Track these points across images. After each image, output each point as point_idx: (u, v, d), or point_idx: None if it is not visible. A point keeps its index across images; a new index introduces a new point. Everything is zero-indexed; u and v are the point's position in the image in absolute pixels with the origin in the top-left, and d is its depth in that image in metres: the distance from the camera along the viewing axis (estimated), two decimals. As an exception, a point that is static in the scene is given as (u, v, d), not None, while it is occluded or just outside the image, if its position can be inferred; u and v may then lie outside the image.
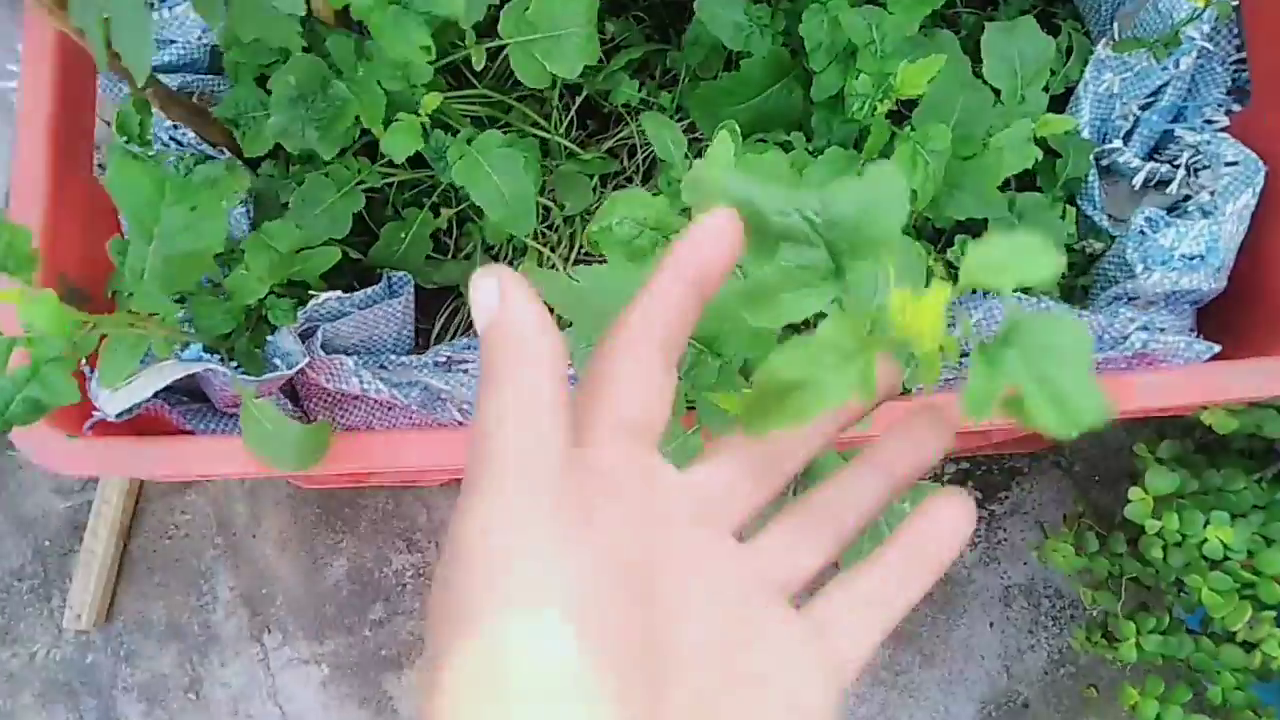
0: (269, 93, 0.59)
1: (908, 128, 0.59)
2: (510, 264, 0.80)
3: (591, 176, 0.80)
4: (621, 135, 0.84)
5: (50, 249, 0.61)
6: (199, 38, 0.71)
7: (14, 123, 0.65)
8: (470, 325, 0.81)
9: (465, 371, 0.72)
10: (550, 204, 0.81)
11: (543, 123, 0.79)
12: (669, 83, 0.83)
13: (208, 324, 0.60)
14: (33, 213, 0.61)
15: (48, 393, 0.50)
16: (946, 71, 0.58)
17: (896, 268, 0.33)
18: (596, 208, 0.83)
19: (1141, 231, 0.65)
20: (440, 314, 0.80)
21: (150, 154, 0.59)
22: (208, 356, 0.61)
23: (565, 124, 0.82)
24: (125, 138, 0.57)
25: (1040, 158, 0.60)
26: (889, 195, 0.33)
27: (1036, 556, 0.95)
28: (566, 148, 0.80)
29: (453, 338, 0.80)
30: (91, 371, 0.61)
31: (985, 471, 1.03)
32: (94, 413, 0.61)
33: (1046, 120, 0.53)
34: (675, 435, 0.53)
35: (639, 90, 0.79)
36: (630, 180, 0.84)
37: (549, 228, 0.81)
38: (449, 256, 0.79)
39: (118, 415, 0.60)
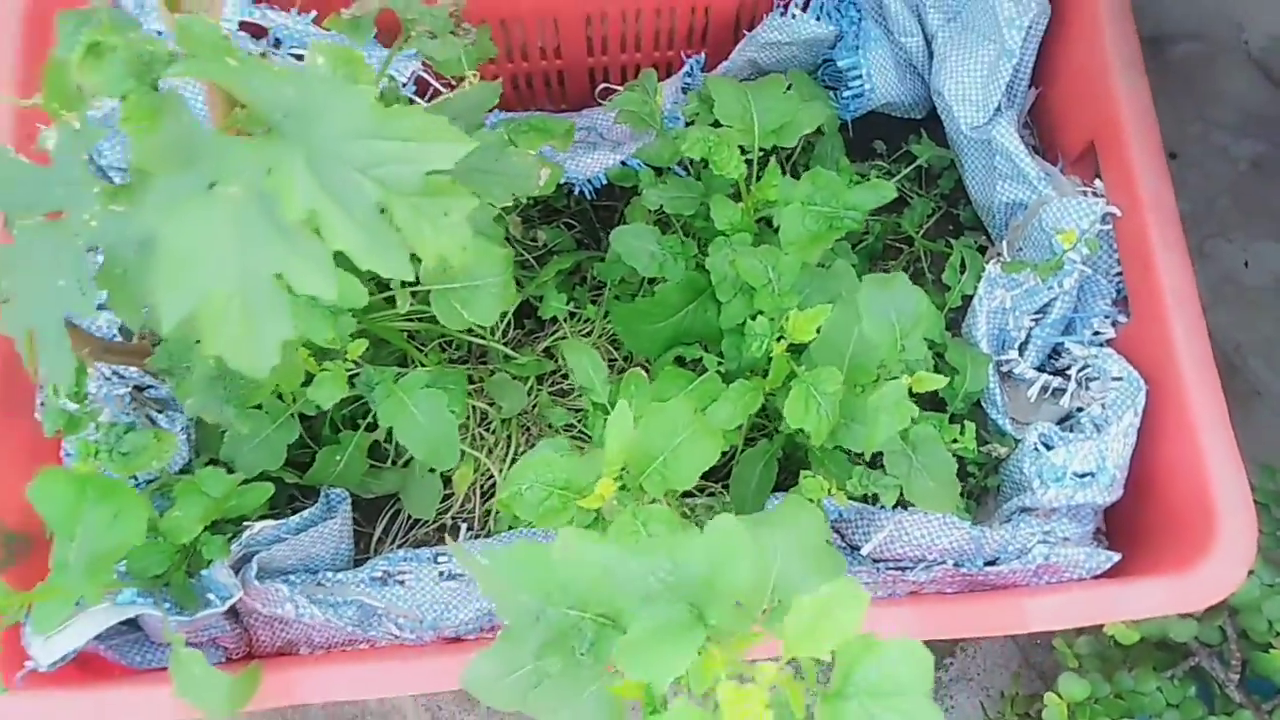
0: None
1: (803, 368, 0.62)
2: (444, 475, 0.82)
3: (527, 379, 0.84)
4: (557, 335, 0.88)
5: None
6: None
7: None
8: (410, 530, 0.83)
9: (402, 584, 0.74)
10: (488, 407, 0.84)
11: (478, 328, 0.83)
12: (599, 285, 0.88)
13: (140, 567, 0.63)
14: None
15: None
16: (838, 312, 0.62)
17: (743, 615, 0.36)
18: (533, 407, 0.87)
19: (1036, 448, 0.68)
20: (380, 519, 0.83)
21: (86, 409, 0.62)
22: (141, 599, 0.63)
23: (502, 327, 0.86)
24: (59, 397, 0.61)
25: (937, 376, 0.64)
26: (732, 551, 0.37)
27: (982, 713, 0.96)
28: (503, 353, 0.84)
29: (393, 542, 0.82)
30: (27, 617, 0.63)
31: (930, 641, 1.04)
32: (26, 663, 0.62)
33: (920, 379, 0.57)
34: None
35: (567, 301, 0.83)
36: (565, 378, 0.87)
37: (487, 430, 0.85)
38: (388, 463, 0.81)
39: (50, 665, 0.62)
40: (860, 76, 0.83)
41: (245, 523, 0.69)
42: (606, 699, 0.57)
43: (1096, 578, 0.66)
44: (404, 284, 0.67)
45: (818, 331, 0.60)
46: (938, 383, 0.57)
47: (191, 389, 0.56)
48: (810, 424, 0.59)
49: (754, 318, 0.65)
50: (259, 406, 0.69)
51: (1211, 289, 0.98)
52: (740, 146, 0.70)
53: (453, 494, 0.83)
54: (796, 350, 0.65)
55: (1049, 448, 0.67)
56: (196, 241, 0.36)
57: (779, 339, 0.63)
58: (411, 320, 0.78)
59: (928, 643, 1.06)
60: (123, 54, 0.38)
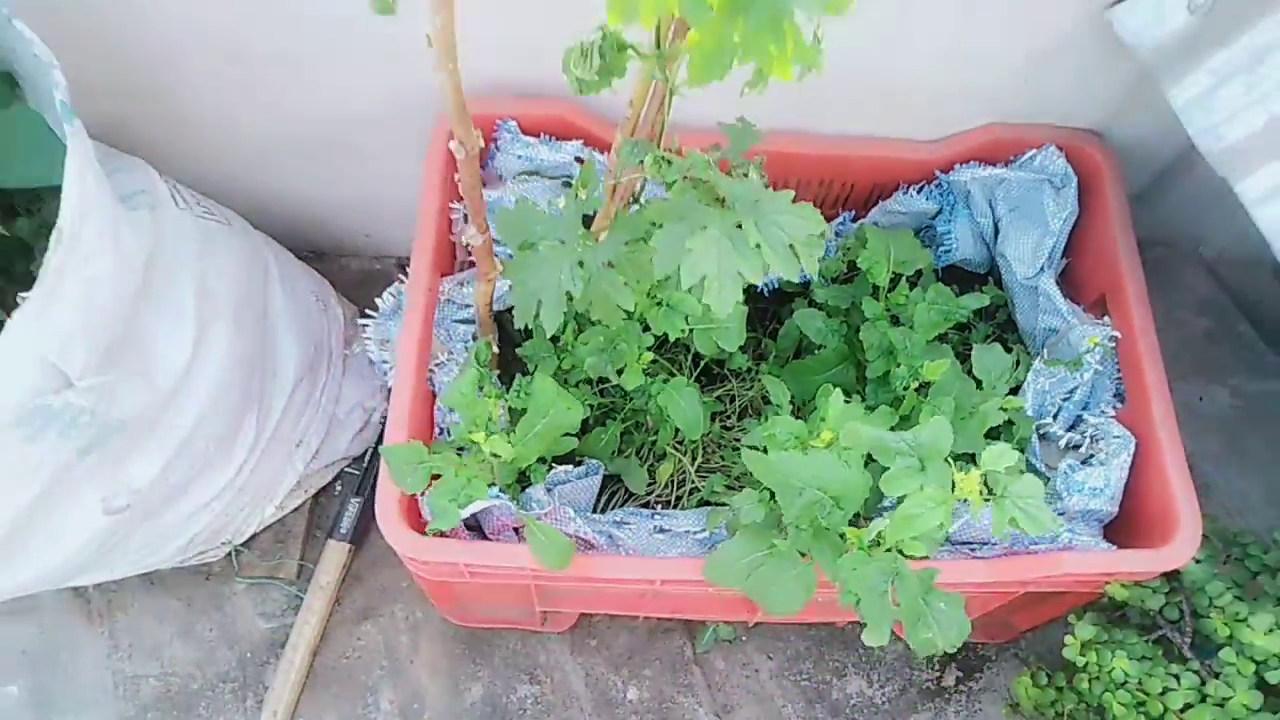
0: (553, 341, 1.02)
1: (927, 398, 1.01)
2: (654, 463, 1.19)
3: (710, 413, 1.22)
4: (723, 389, 1.26)
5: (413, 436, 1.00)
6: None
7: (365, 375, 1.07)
8: (626, 499, 1.18)
9: (627, 528, 1.09)
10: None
11: (680, 374, 1.22)
12: (758, 357, 1.27)
13: (505, 475, 0.98)
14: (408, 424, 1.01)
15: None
16: (949, 370, 1.02)
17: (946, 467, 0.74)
18: (708, 435, 1.24)
19: (1065, 473, 1.06)
20: (612, 489, 1.18)
21: (485, 370, 0.99)
22: (500, 498, 0.99)
23: (693, 378, 1.25)
24: (478, 362, 0.98)
25: (1004, 422, 1.03)
26: (942, 433, 0.75)
27: (1005, 716, 1.28)
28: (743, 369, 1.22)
29: (618, 505, 1.17)
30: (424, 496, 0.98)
31: (965, 658, 1.38)
32: (427, 526, 0.97)
33: (1009, 401, 0.96)
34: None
35: (746, 359, 1.22)
36: (729, 416, 1.25)
37: (679, 446, 1.22)
38: (620, 454, 1.18)
39: (435, 531, 0.96)
40: (951, 239, 1.26)
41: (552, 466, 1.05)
42: (805, 576, 0.92)
43: (1101, 558, 1.02)
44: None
45: (939, 375, 0.99)
46: (1018, 403, 0.96)
47: (588, 355, 0.94)
48: (934, 429, 0.98)
49: (896, 367, 1.04)
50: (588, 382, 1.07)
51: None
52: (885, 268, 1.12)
53: (654, 483, 1.19)
54: (921, 390, 1.04)
55: (1074, 472, 1.05)
56: (701, 250, 0.75)
57: (914, 382, 1.02)
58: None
59: (964, 661, 1.37)
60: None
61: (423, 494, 0.98)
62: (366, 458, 1.45)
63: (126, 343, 1.01)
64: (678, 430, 1.19)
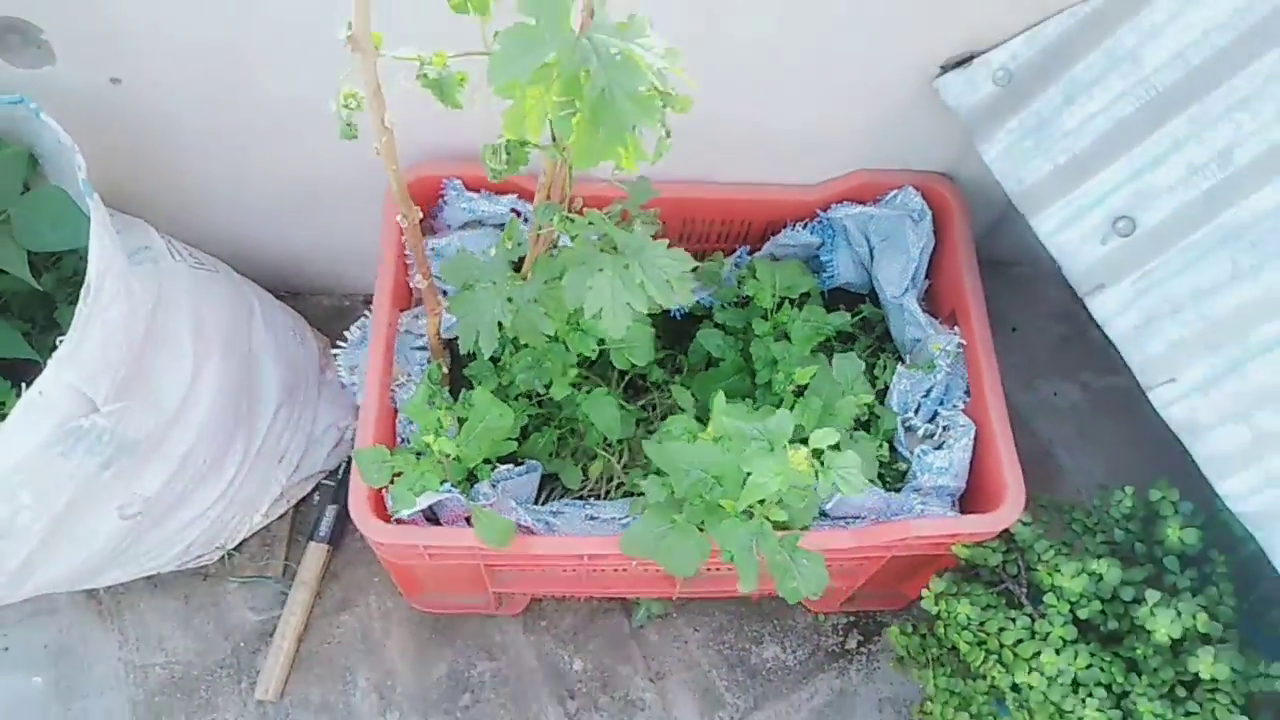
0: (493, 361, 1.24)
1: (802, 399, 1.24)
2: (587, 462, 1.41)
3: (634, 419, 1.44)
4: (647, 399, 1.48)
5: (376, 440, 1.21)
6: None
7: (338, 398, 1.28)
8: (564, 494, 1.40)
9: (562, 516, 1.30)
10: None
11: (607, 387, 1.44)
12: (675, 370, 1.49)
13: (455, 473, 1.20)
14: (374, 433, 1.22)
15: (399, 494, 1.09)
16: (819, 375, 1.25)
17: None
18: (632, 438, 1.46)
19: (919, 456, 1.29)
20: (551, 485, 1.40)
21: (436, 387, 1.21)
22: (451, 492, 1.20)
23: (620, 389, 1.47)
24: (430, 380, 1.20)
25: (872, 416, 1.26)
26: (784, 422, 0.97)
27: (894, 669, 1.50)
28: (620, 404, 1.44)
29: (556, 499, 1.38)
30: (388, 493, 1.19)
31: (864, 625, 1.60)
32: (390, 515, 1.18)
33: (861, 398, 1.19)
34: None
35: (663, 372, 1.45)
36: (651, 422, 1.47)
37: (608, 448, 1.43)
38: (557, 456, 1.39)
39: (396, 519, 1.17)
40: (833, 266, 1.49)
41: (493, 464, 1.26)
42: (699, 542, 1.14)
43: (949, 525, 1.25)
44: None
45: (811, 379, 1.22)
46: (868, 399, 1.19)
47: (516, 372, 1.16)
48: (806, 421, 1.20)
49: (777, 374, 1.27)
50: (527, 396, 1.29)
51: (1035, 408, 1.63)
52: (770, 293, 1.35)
53: (587, 479, 1.41)
54: (799, 393, 1.27)
55: (927, 456, 1.28)
56: (599, 287, 0.98)
57: (792, 386, 1.25)
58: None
59: (864, 625, 1.59)
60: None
61: (386, 489, 1.19)
62: (340, 470, 1.65)
63: (137, 374, 1.22)
64: (604, 435, 1.42)
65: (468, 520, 1.25)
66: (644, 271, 0.99)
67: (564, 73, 0.74)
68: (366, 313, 1.34)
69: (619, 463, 1.41)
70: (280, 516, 1.60)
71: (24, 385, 1.07)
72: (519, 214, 1.39)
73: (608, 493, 1.41)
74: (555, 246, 1.12)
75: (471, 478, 1.25)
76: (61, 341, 1.08)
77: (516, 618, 1.56)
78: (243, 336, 1.46)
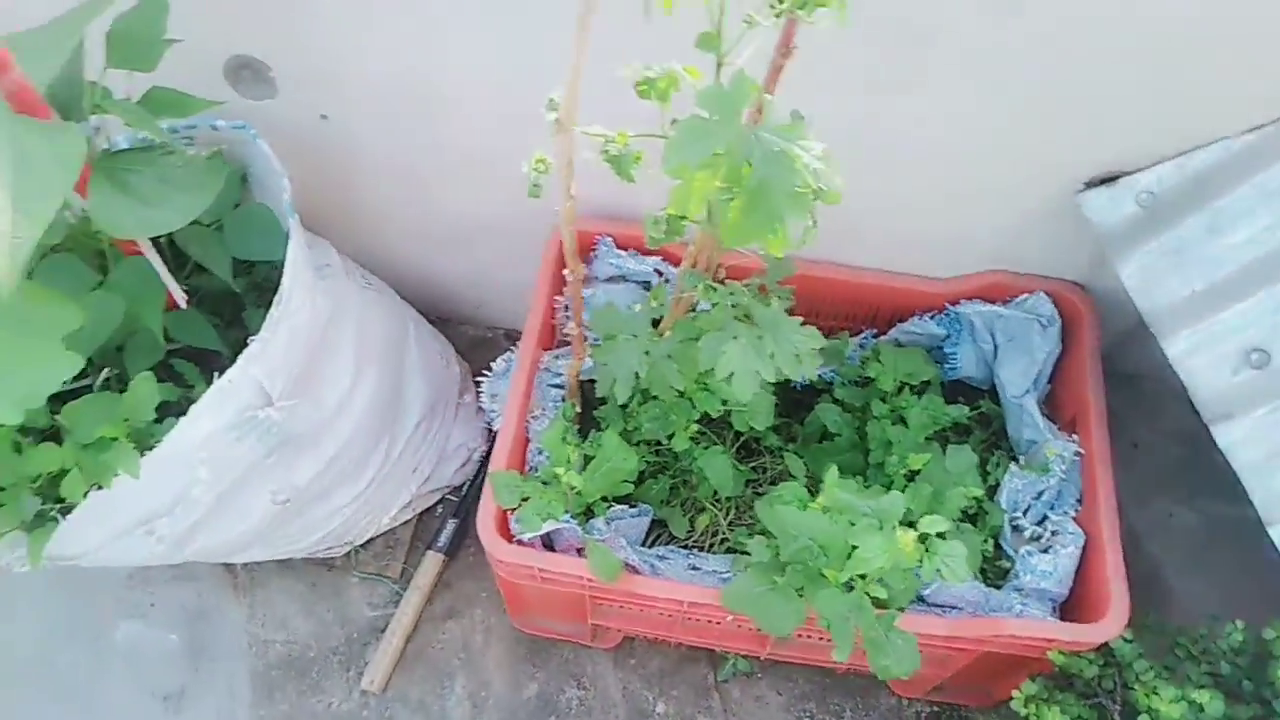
0: (622, 408, 1.33)
1: (913, 483, 1.28)
2: (695, 514, 1.47)
3: (744, 478, 1.50)
4: (758, 461, 1.54)
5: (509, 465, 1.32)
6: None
7: (471, 421, 1.39)
8: (669, 540, 1.47)
9: (667, 561, 1.37)
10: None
11: (724, 446, 1.51)
12: (789, 438, 1.55)
13: (574, 506, 1.28)
14: (507, 458, 1.32)
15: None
16: (931, 463, 1.29)
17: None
18: (740, 496, 1.52)
19: (1024, 556, 1.30)
20: (659, 531, 1.47)
21: (569, 424, 1.31)
22: (569, 523, 1.28)
23: (733, 449, 1.53)
24: (565, 417, 1.30)
25: (980, 511, 1.29)
26: (895, 503, 1.02)
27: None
28: (734, 463, 1.51)
29: (662, 544, 1.46)
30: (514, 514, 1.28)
31: (949, 715, 1.60)
32: (512, 536, 1.27)
33: (970, 490, 1.22)
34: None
35: (778, 439, 1.51)
36: (760, 484, 1.53)
37: (716, 503, 1.50)
38: (667, 504, 1.47)
39: (517, 540, 1.26)
40: (956, 359, 1.52)
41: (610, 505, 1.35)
42: (796, 605, 1.19)
43: (1045, 629, 1.26)
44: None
45: (924, 465, 1.26)
46: (977, 492, 1.22)
47: (645, 419, 1.25)
48: (917, 505, 1.24)
49: (891, 457, 1.32)
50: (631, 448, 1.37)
51: (1148, 526, 1.61)
52: (892, 378, 1.40)
53: (693, 530, 1.47)
54: (910, 477, 1.31)
55: (1031, 558, 1.30)
56: (732, 353, 1.05)
57: (905, 470, 1.29)
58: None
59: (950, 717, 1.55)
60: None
61: (513, 511, 1.29)
62: (465, 488, 1.77)
63: (307, 376, 1.36)
64: (716, 489, 1.48)
65: (579, 551, 1.34)
66: (775, 344, 1.06)
67: (729, 163, 0.82)
68: (511, 347, 1.45)
69: (725, 518, 1.47)
70: (405, 523, 1.72)
71: (214, 374, 1.22)
72: (661, 275, 1.49)
73: (711, 546, 1.47)
74: (694, 310, 1.21)
75: (588, 512, 1.33)
76: (251, 340, 1.23)
77: (608, 652, 1.63)
78: (397, 353, 1.60)
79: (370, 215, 1.64)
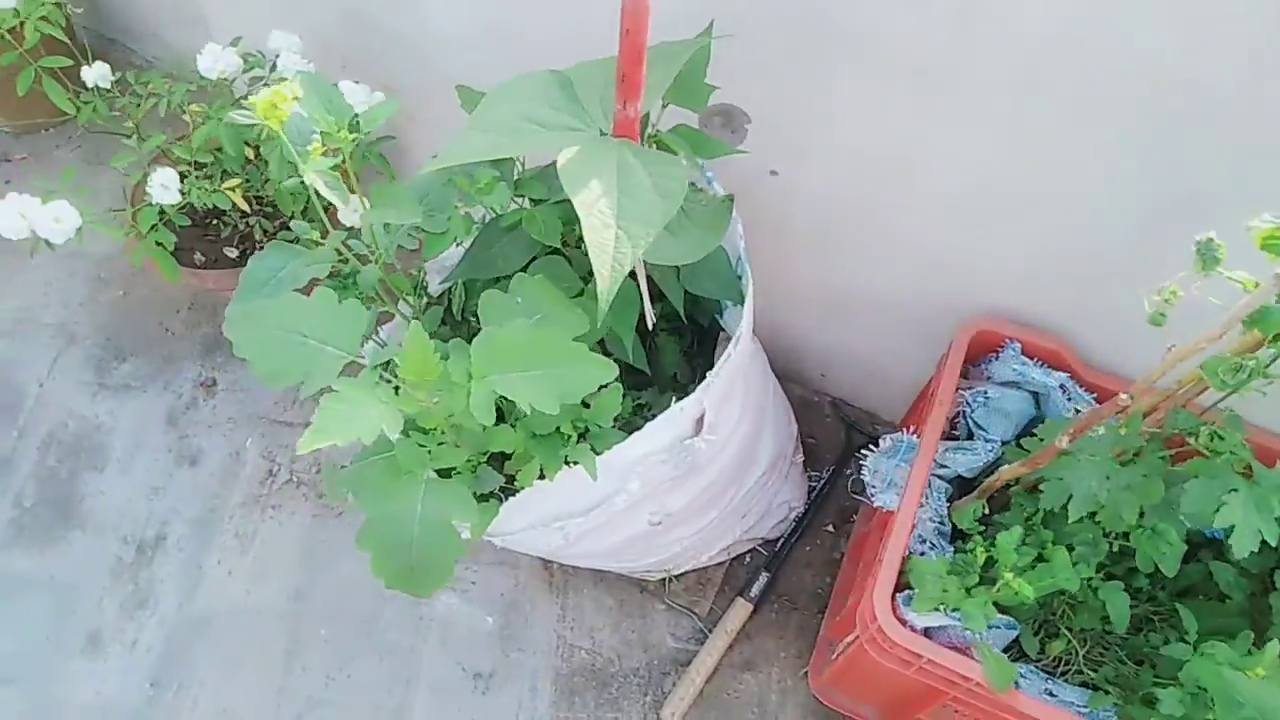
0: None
1: None
2: (1046, 638, 1.45)
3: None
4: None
5: (905, 544, 1.33)
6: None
7: (796, 481, 1.41)
8: (1019, 655, 1.45)
9: (1028, 681, 1.35)
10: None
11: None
12: (1160, 586, 1.51)
13: (980, 609, 1.28)
14: (902, 543, 1.34)
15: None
16: None
17: None
18: (1102, 632, 1.49)
19: None
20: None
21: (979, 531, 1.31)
22: (958, 621, 1.28)
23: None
24: (969, 519, 1.30)
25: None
26: None
27: None
28: (1091, 593, 1.48)
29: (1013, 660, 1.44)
30: (907, 602, 1.29)
31: None
32: (904, 621, 1.28)
33: None
34: None
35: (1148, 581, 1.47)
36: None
37: (1073, 630, 1.47)
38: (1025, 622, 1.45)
39: (921, 629, 1.27)
40: None
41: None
42: None
43: None
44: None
45: None
46: None
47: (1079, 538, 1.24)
48: None
49: (1302, 637, 1.27)
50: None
51: None
52: None
53: (1043, 654, 1.45)
54: None
55: None
56: (1234, 506, 1.04)
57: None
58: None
59: None
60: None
61: (900, 593, 1.30)
62: (779, 544, 1.79)
63: (718, 415, 1.41)
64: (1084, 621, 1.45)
65: (953, 649, 1.33)
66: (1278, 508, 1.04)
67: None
68: (903, 430, 1.47)
69: (1081, 649, 1.44)
70: (717, 564, 1.75)
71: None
72: (1065, 390, 1.49)
73: (1064, 673, 1.44)
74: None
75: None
76: (705, 374, 1.29)
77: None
78: (763, 405, 1.64)
79: (766, 271, 1.70)
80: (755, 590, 1.72)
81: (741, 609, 1.71)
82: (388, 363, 1.16)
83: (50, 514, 1.82)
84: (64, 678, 1.66)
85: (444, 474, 1.15)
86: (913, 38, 1.21)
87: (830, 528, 1.83)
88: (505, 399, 1.07)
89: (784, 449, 1.75)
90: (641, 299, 1.32)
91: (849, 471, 1.89)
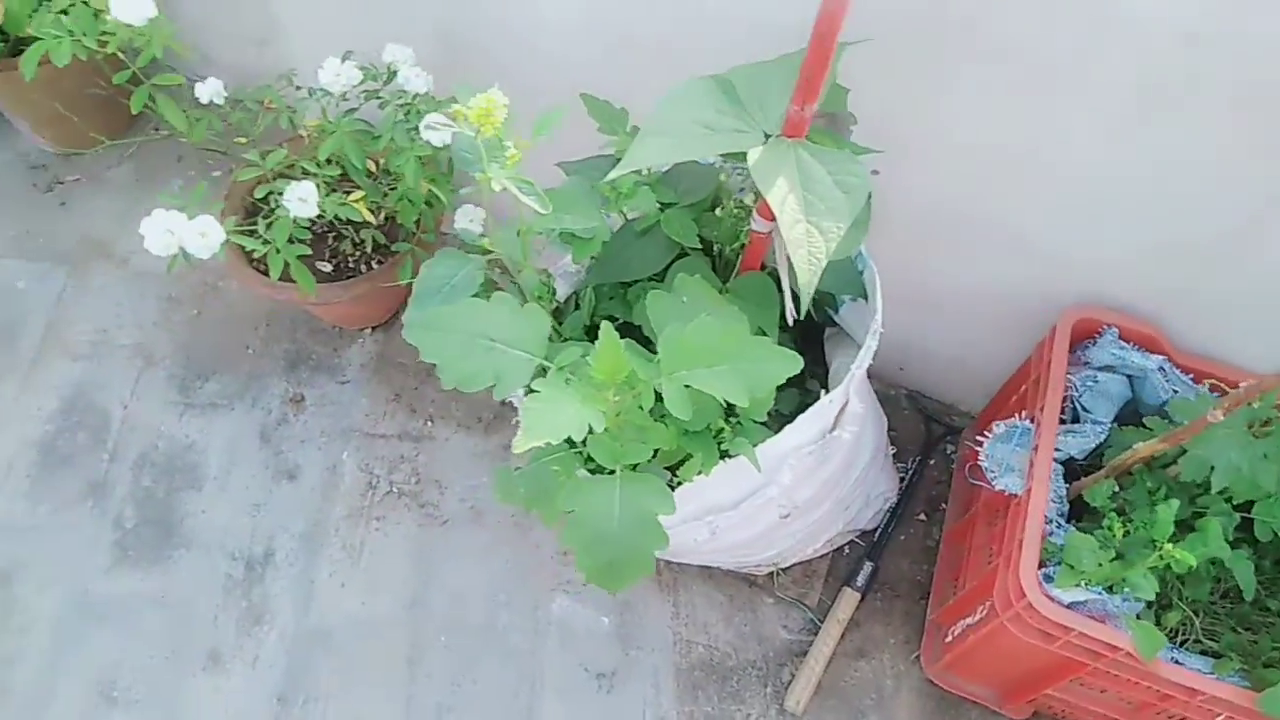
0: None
1: None
2: (1160, 610, 1.52)
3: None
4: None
5: (1040, 526, 1.39)
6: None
7: (889, 473, 1.47)
8: (1137, 632, 1.51)
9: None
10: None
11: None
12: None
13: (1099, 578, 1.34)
14: (1038, 521, 1.39)
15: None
16: None
17: None
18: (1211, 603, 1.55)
19: None
20: (1118, 620, 1.52)
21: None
22: (1101, 595, 1.34)
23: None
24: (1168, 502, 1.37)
25: None
26: None
27: None
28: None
29: (1126, 634, 1.50)
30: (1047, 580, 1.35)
31: None
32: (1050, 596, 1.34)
33: None
34: None
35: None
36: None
37: (1187, 601, 1.54)
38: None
39: (1067, 603, 1.33)
40: None
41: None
42: None
43: None
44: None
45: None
46: None
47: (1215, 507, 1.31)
48: None
49: None
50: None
51: None
52: None
53: (1160, 626, 1.51)
54: None
55: None
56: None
57: None
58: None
59: None
60: None
61: (1042, 570, 1.36)
62: (877, 534, 1.84)
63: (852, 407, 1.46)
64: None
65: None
66: None
67: None
68: (1017, 419, 1.53)
69: (1198, 619, 1.51)
70: (821, 556, 1.80)
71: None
72: (1164, 372, 1.56)
73: (1182, 643, 1.51)
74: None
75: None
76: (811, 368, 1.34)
77: (1014, 721, 1.67)
78: (866, 396, 1.70)
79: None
80: (861, 579, 1.77)
81: (850, 598, 1.75)
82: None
83: (153, 534, 1.82)
84: (190, 696, 1.65)
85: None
86: (1041, 38, 1.27)
87: (922, 516, 1.88)
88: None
89: (880, 441, 1.81)
90: (782, 296, 1.36)
91: (932, 461, 1.95)
